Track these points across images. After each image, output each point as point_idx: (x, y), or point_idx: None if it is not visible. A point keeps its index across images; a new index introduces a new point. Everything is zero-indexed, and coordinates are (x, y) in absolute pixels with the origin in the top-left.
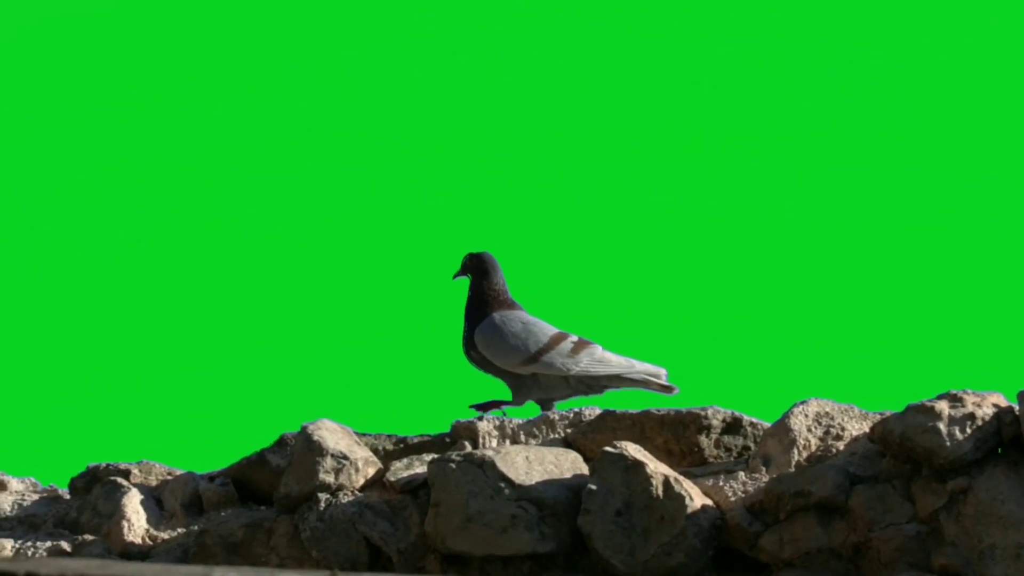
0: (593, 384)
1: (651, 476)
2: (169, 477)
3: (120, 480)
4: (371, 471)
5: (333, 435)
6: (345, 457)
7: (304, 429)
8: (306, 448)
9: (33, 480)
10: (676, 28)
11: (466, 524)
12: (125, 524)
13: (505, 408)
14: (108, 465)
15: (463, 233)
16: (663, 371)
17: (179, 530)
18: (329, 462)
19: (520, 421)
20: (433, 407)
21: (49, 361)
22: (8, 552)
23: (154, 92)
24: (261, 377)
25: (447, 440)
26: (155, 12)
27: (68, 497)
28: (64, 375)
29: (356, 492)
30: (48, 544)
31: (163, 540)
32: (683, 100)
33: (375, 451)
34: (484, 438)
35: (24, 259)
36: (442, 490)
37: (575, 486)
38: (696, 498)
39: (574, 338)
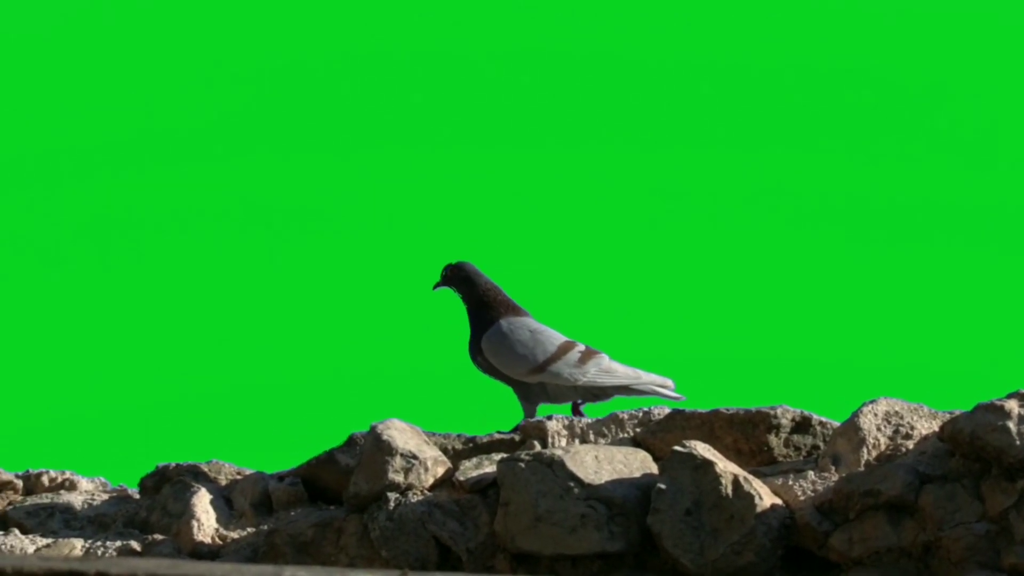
0: (600, 394)
1: (720, 475)
2: (238, 476)
3: (190, 480)
4: (440, 470)
5: (402, 434)
6: (414, 456)
7: (373, 429)
8: (376, 448)
9: (103, 480)
10: (680, 32)
11: (535, 523)
12: (195, 524)
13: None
14: (178, 464)
15: (477, 239)
16: (670, 382)
17: (248, 529)
18: (399, 461)
19: (589, 420)
20: (502, 406)
21: (120, 361)
22: (78, 551)
23: (177, 102)
24: (331, 377)
25: (516, 439)
26: (151, 22)
27: (138, 497)
28: (135, 375)
29: (425, 492)
30: (118, 544)
31: (232, 540)
32: (691, 106)
33: (444, 450)
34: (553, 437)
35: (96, 260)
36: (511, 489)
37: (644, 485)
38: (765, 497)
39: (581, 347)
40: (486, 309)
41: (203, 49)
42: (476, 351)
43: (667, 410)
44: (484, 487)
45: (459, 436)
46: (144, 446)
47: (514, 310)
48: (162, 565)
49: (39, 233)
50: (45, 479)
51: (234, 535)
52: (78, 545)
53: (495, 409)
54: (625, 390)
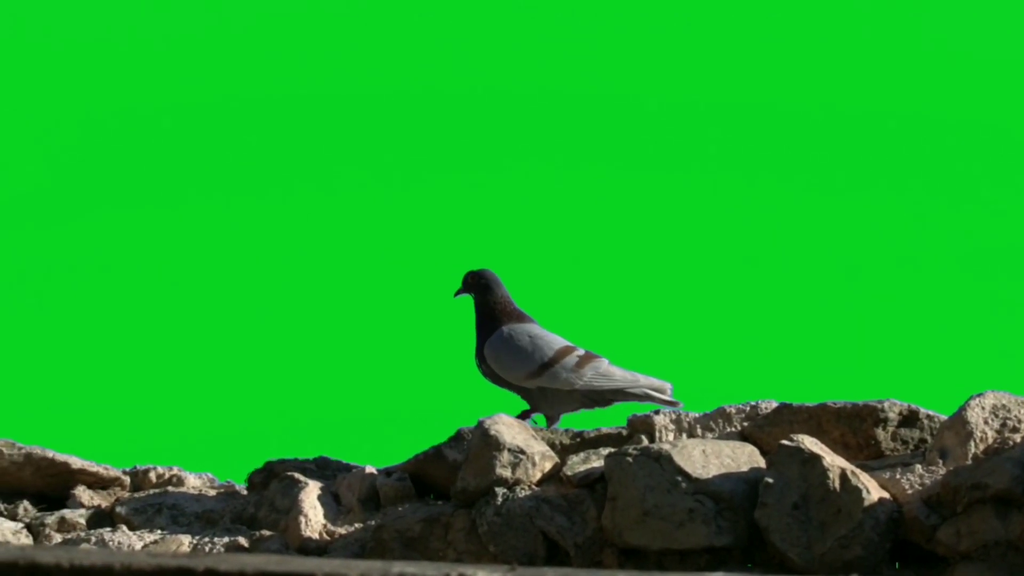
0: (598, 398)
1: (828, 469)
2: (346, 473)
3: (297, 476)
4: (548, 465)
5: (510, 429)
6: (522, 451)
7: (481, 424)
8: (483, 443)
9: (210, 476)
10: (682, 37)
11: (643, 518)
12: (303, 519)
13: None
14: (286, 460)
15: (492, 249)
16: (668, 385)
17: (356, 525)
18: (506, 456)
19: (696, 415)
20: (756, 382)
21: (227, 358)
22: (186, 548)
23: (193, 106)
24: (438, 372)
25: (624, 434)
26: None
27: (245, 493)
28: (243, 372)
29: (533, 486)
30: (226, 540)
31: (340, 535)
32: (690, 120)
33: (552, 445)
34: (661, 432)
35: (203, 262)
36: (619, 484)
37: (752, 479)
38: (873, 491)
39: (580, 352)
40: (492, 318)
41: (215, 56)
42: (481, 358)
43: (775, 404)
44: (592, 482)
45: (567, 431)
46: (252, 442)
47: (518, 318)
48: (270, 561)
49: (144, 235)
50: (152, 475)
51: (342, 531)
52: (186, 541)
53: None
54: (623, 394)
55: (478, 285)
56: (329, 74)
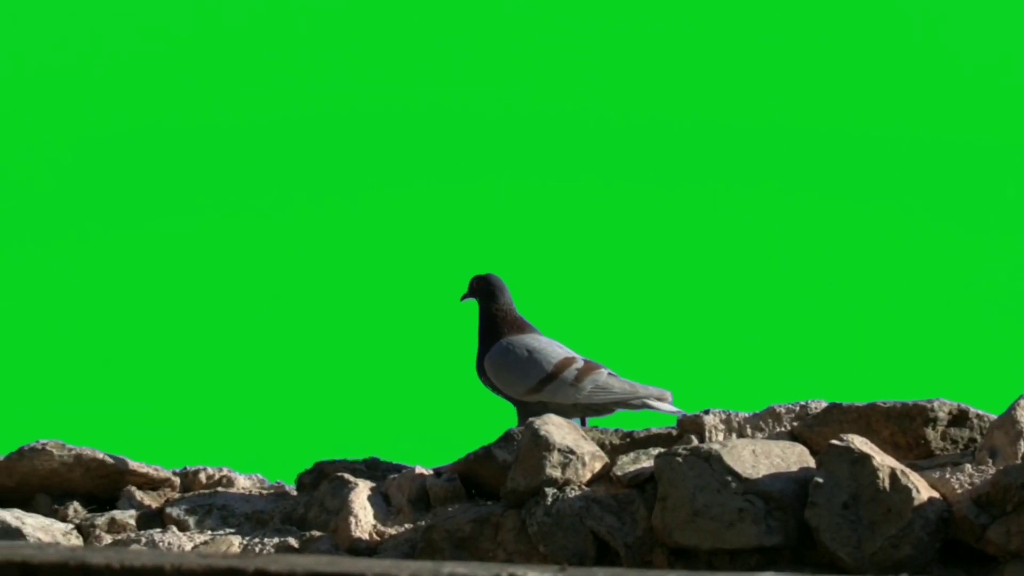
0: (600, 409)
1: (878, 469)
2: (396, 473)
3: (348, 476)
4: (598, 465)
5: (560, 430)
6: (572, 452)
7: (531, 424)
8: (533, 443)
9: (260, 476)
10: (686, 47)
11: (693, 518)
12: (352, 520)
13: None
14: (336, 461)
15: (504, 257)
16: (668, 394)
17: (406, 526)
18: (556, 457)
19: (746, 415)
20: (757, 387)
21: (278, 360)
22: (236, 548)
23: (215, 108)
24: (645, 353)
25: (673, 434)
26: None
27: (295, 493)
28: (292, 373)
29: (583, 487)
30: (276, 540)
31: (390, 536)
32: (693, 113)
33: (602, 445)
34: (710, 432)
35: (246, 265)
36: (669, 484)
37: (802, 479)
38: (923, 491)
39: (579, 363)
40: (494, 327)
41: (222, 65)
42: (481, 370)
43: (824, 404)
44: (642, 482)
45: (616, 431)
46: (302, 443)
47: (519, 328)
48: (320, 562)
49: (188, 239)
50: (203, 476)
51: (392, 531)
52: (236, 542)
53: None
54: (624, 404)
55: (483, 290)
56: (335, 82)
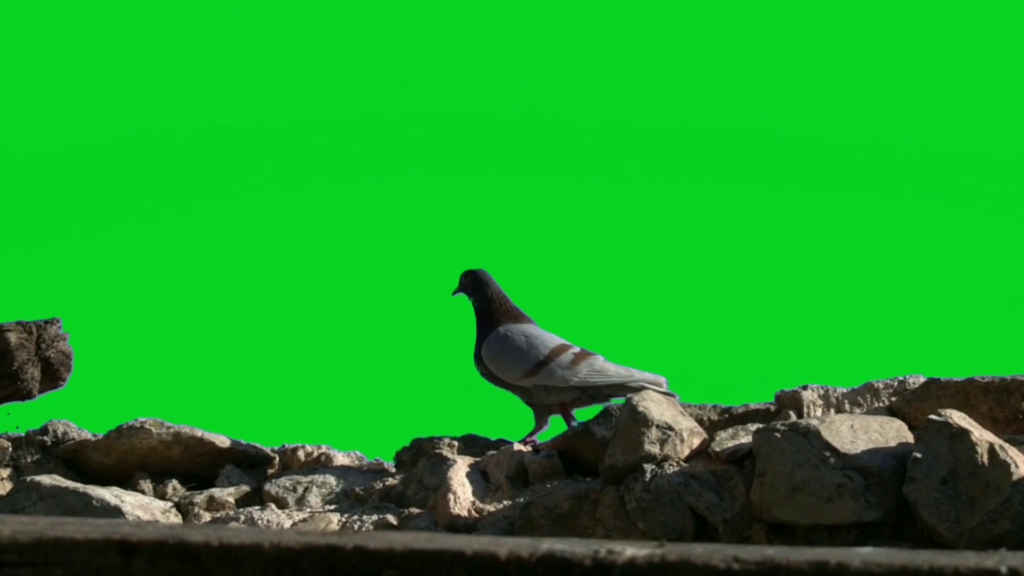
0: (596, 394)
1: (976, 444)
2: (494, 450)
3: (446, 453)
4: (696, 441)
5: (658, 406)
6: (670, 428)
7: (629, 400)
8: (631, 419)
9: (359, 454)
10: (682, 36)
11: (792, 493)
12: (451, 497)
13: (537, 435)
14: (434, 438)
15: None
16: (663, 379)
17: (505, 502)
18: (654, 433)
19: (844, 390)
20: (758, 377)
21: (376, 336)
22: (335, 526)
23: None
24: (644, 347)
25: (771, 410)
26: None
27: (394, 470)
28: (389, 349)
29: (681, 463)
30: (374, 518)
31: (489, 513)
32: (690, 105)
33: (700, 421)
34: (808, 407)
35: (347, 244)
36: (767, 460)
37: (900, 454)
38: (1021, 465)
39: (575, 349)
40: (490, 317)
41: (227, 68)
42: (478, 358)
43: (922, 379)
44: (740, 457)
45: (715, 407)
46: (400, 420)
47: (515, 318)
48: (419, 539)
49: (278, 221)
50: (301, 454)
51: (490, 508)
52: (335, 520)
53: (750, 379)
54: (619, 388)
55: (472, 284)
56: (336, 81)
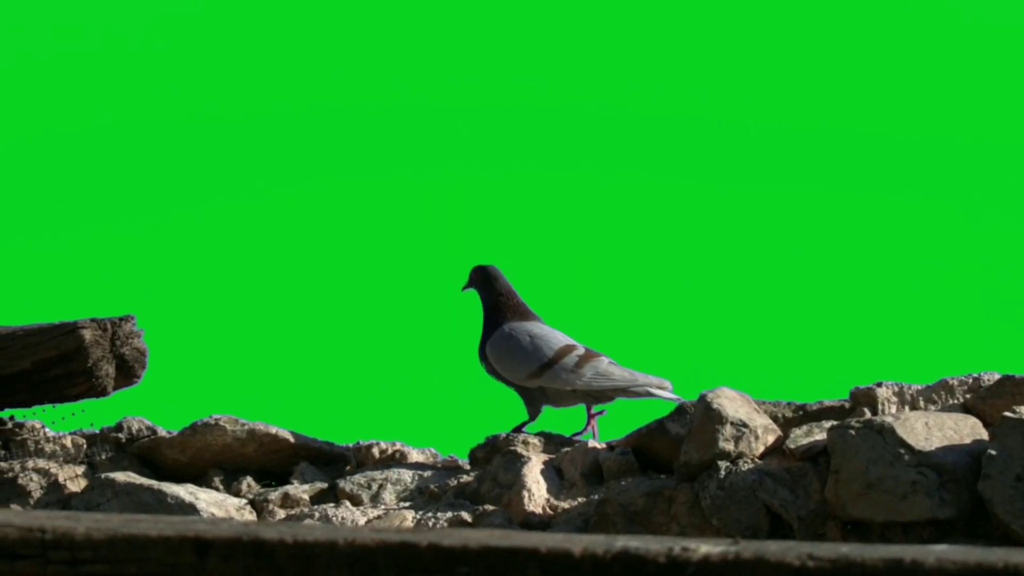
0: (600, 396)
1: None
2: (569, 447)
3: (520, 450)
4: (770, 438)
5: (732, 403)
6: (745, 425)
7: (703, 397)
8: (706, 416)
9: (433, 451)
10: (684, 38)
11: (866, 490)
12: (526, 494)
13: (527, 427)
14: (508, 435)
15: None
16: (668, 383)
17: (579, 500)
18: (729, 430)
19: (919, 387)
20: (833, 373)
21: (448, 334)
22: (409, 523)
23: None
24: (652, 345)
25: (846, 407)
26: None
27: (468, 467)
28: (465, 347)
29: (756, 460)
30: (449, 515)
31: (563, 510)
32: (697, 102)
33: (774, 418)
34: (883, 405)
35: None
36: (842, 457)
37: (975, 451)
38: None
39: (580, 350)
40: (497, 314)
41: (236, 62)
42: (483, 355)
43: (997, 376)
44: (815, 455)
45: (789, 404)
46: (474, 417)
47: (522, 315)
48: (494, 536)
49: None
50: (376, 451)
51: (565, 505)
52: (409, 517)
53: (824, 376)
54: (623, 392)
55: (482, 280)
56: (342, 77)
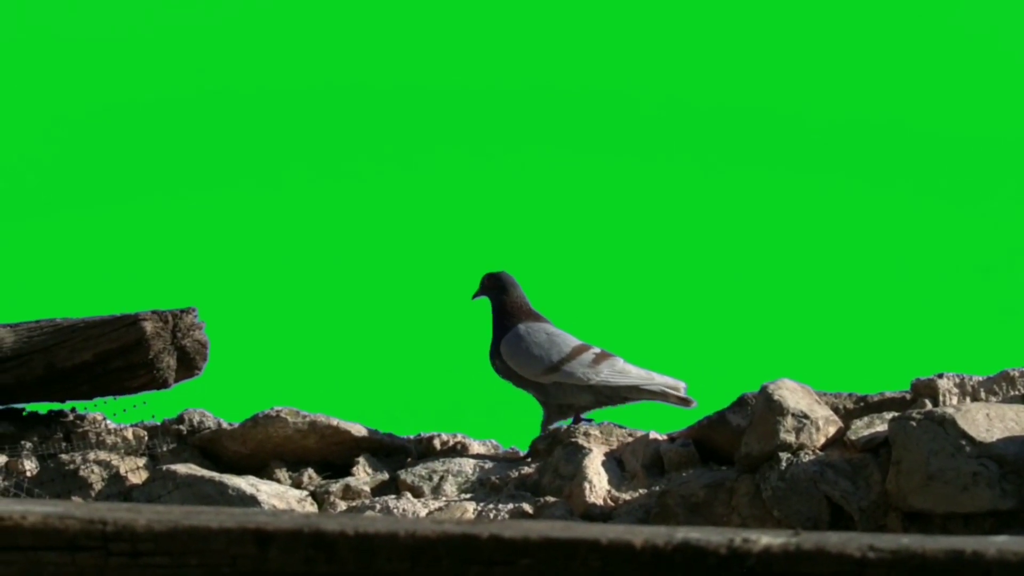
0: (613, 395)
1: None
2: (629, 438)
3: (581, 442)
4: (832, 430)
5: (794, 394)
6: (806, 416)
7: (764, 389)
8: (767, 408)
9: (495, 442)
10: (684, 39)
11: (927, 482)
12: (587, 486)
13: (550, 427)
14: (569, 427)
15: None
16: (682, 384)
17: (640, 491)
18: (790, 421)
19: (980, 378)
20: (894, 365)
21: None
22: (470, 515)
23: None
24: (719, 337)
25: (907, 398)
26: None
27: (529, 459)
28: None
29: (817, 451)
30: (510, 506)
31: (624, 501)
32: (708, 106)
33: (835, 410)
34: (944, 396)
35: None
36: (903, 448)
37: None
38: None
39: (596, 350)
40: (508, 317)
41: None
42: (495, 354)
43: None
44: (876, 446)
45: (850, 395)
46: (535, 408)
47: (535, 318)
48: (555, 528)
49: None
50: (437, 443)
51: (626, 497)
52: (470, 508)
53: (885, 367)
54: (637, 391)
55: (495, 287)
56: (345, 70)
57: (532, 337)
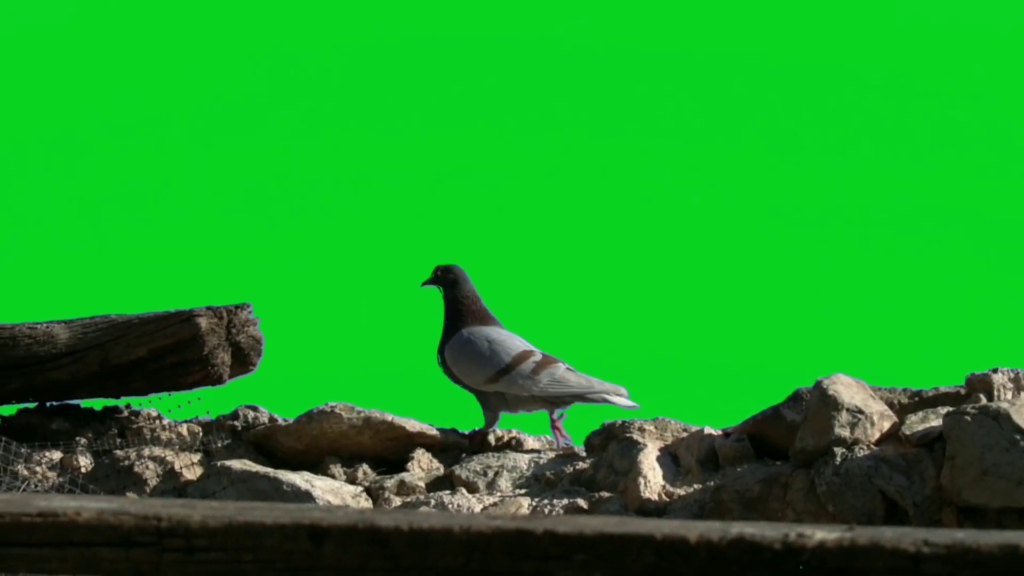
0: (557, 401)
1: None
2: (684, 434)
3: (636, 437)
4: (886, 425)
5: (848, 389)
6: (860, 411)
7: (819, 384)
8: (821, 403)
9: (549, 438)
10: (662, 38)
11: (982, 476)
12: (642, 481)
13: (490, 430)
14: (624, 422)
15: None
16: (623, 389)
17: (695, 486)
18: (845, 416)
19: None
20: (948, 360)
21: (565, 318)
22: (525, 510)
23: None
24: (774, 331)
25: (962, 393)
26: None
27: (584, 454)
28: (582, 332)
29: (872, 446)
30: (564, 502)
31: (679, 496)
32: (672, 105)
33: (890, 405)
34: (999, 390)
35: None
36: (957, 443)
37: None
38: None
39: (538, 356)
40: (457, 317)
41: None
42: (442, 359)
43: None
44: (930, 441)
45: (905, 390)
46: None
47: (482, 319)
48: (609, 523)
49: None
50: (492, 438)
51: (680, 492)
52: (525, 504)
53: (940, 362)
54: (580, 398)
55: (446, 279)
56: (340, 62)
57: (474, 345)
